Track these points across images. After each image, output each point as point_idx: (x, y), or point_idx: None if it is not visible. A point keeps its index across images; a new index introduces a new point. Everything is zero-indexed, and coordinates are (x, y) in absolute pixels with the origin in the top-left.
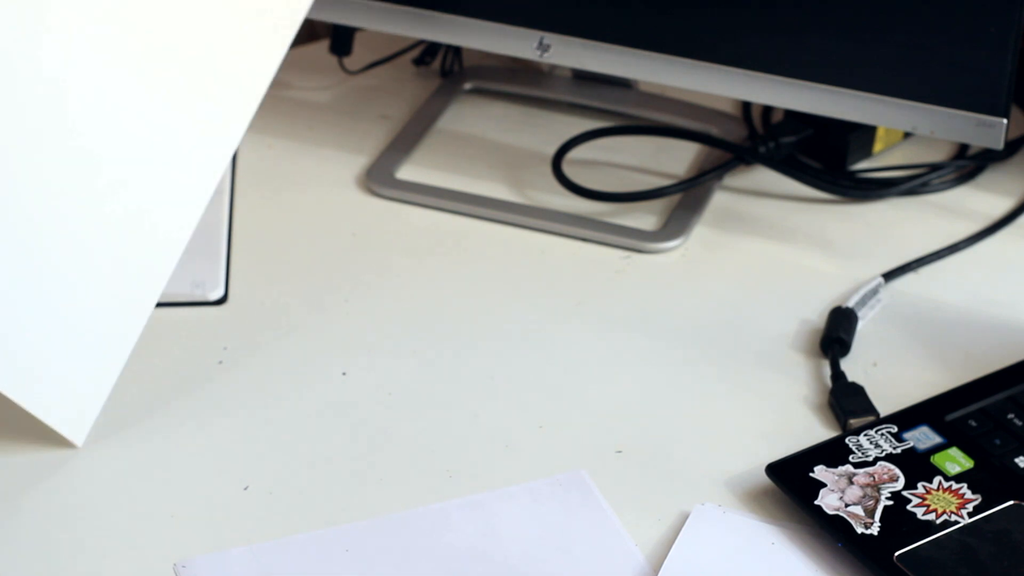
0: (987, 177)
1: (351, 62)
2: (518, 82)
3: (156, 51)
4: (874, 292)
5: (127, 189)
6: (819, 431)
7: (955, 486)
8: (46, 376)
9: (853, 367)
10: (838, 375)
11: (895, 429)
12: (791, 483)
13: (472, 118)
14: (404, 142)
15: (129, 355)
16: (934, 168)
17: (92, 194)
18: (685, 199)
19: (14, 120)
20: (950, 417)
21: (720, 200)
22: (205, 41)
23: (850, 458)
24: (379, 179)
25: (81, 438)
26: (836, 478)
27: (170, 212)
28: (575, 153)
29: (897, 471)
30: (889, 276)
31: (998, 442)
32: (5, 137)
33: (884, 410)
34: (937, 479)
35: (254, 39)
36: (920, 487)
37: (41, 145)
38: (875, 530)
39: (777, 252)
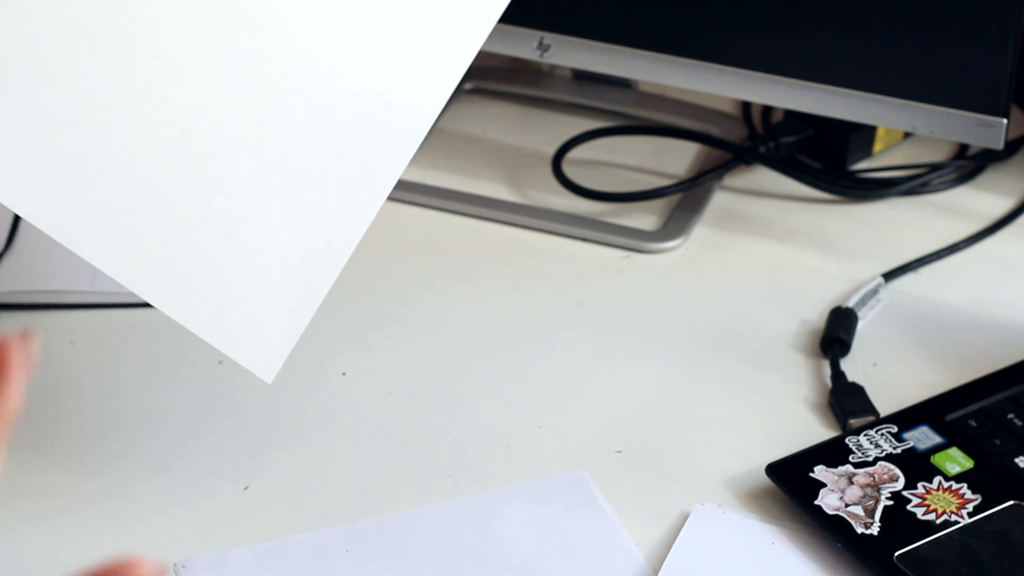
0: (987, 177)
1: None
2: (518, 82)
3: None
4: (874, 292)
5: (342, 108)
6: (819, 431)
7: (955, 486)
8: (237, 310)
9: (853, 367)
10: (838, 375)
11: (895, 429)
12: (791, 483)
13: (472, 118)
14: None
15: (329, 288)
16: (934, 168)
17: (303, 108)
18: (685, 199)
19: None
20: (950, 417)
21: (720, 200)
22: None
23: (850, 458)
24: None
25: (271, 375)
26: (836, 478)
27: (390, 131)
28: (575, 153)
29: (897, 471)
30: (889, 276)
31: (998, 442)
32: (196, 50)
33: (884, 410)
34: (937, 479)
35: None
36: (920, 487)
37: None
38: (875, 530)
39: (777, 252)
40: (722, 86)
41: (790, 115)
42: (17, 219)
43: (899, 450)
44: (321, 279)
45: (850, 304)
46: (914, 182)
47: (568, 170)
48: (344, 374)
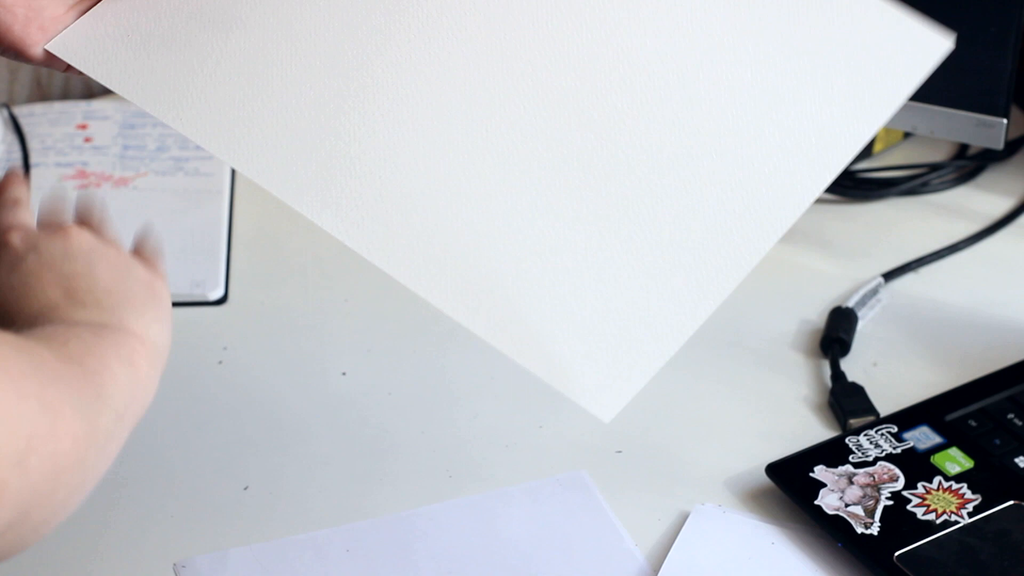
0: (987, 177)
1: None
2: None
3: None
4: (874, 292)
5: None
6: (819, 431)
7: (955, 486)
8: (589, 348)
9: (853, 367)
10: (838, 375)
11: (895, 429)
12: (791, 483)
13: None
14: None
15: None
16: (934, 168)
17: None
18: None
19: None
20: (950, 417)
21: None
22: None
23: (850, 458)
24: None
25: (610, 416)
26: (836, 478)
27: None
28: None
29: (897, 471)
30: (889, 276)
31: (998, 442)
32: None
33: (884, 410)
34: (937, 479)
35: None
36: (920, 487)
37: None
38: (875, 530)
39: (777, 252)
40: None
41: None
42: None
43: (899, 450)
44: (680, 325)
45: (850, 304)
46: (914, 182)
47: None
48: (344, 374)
